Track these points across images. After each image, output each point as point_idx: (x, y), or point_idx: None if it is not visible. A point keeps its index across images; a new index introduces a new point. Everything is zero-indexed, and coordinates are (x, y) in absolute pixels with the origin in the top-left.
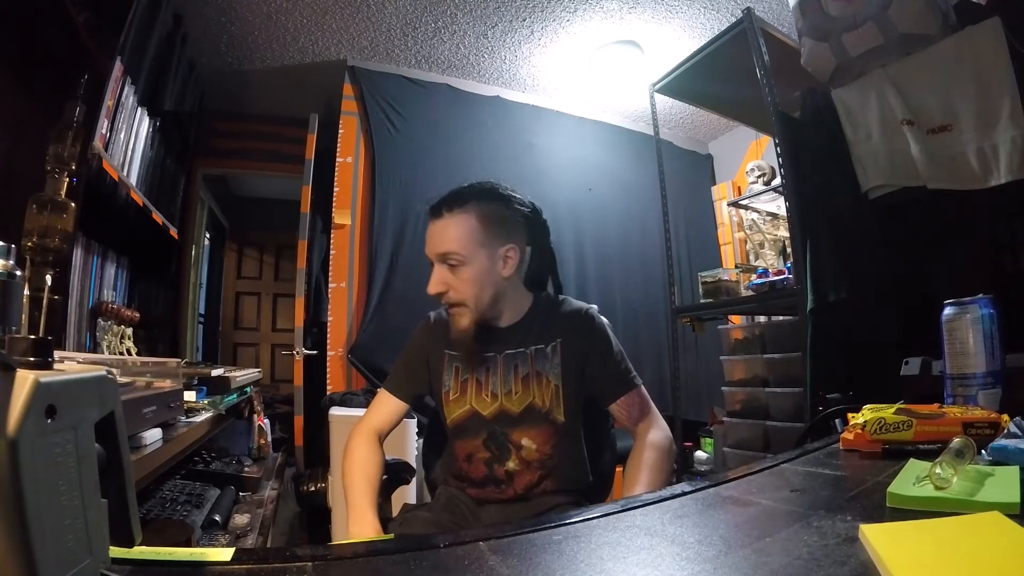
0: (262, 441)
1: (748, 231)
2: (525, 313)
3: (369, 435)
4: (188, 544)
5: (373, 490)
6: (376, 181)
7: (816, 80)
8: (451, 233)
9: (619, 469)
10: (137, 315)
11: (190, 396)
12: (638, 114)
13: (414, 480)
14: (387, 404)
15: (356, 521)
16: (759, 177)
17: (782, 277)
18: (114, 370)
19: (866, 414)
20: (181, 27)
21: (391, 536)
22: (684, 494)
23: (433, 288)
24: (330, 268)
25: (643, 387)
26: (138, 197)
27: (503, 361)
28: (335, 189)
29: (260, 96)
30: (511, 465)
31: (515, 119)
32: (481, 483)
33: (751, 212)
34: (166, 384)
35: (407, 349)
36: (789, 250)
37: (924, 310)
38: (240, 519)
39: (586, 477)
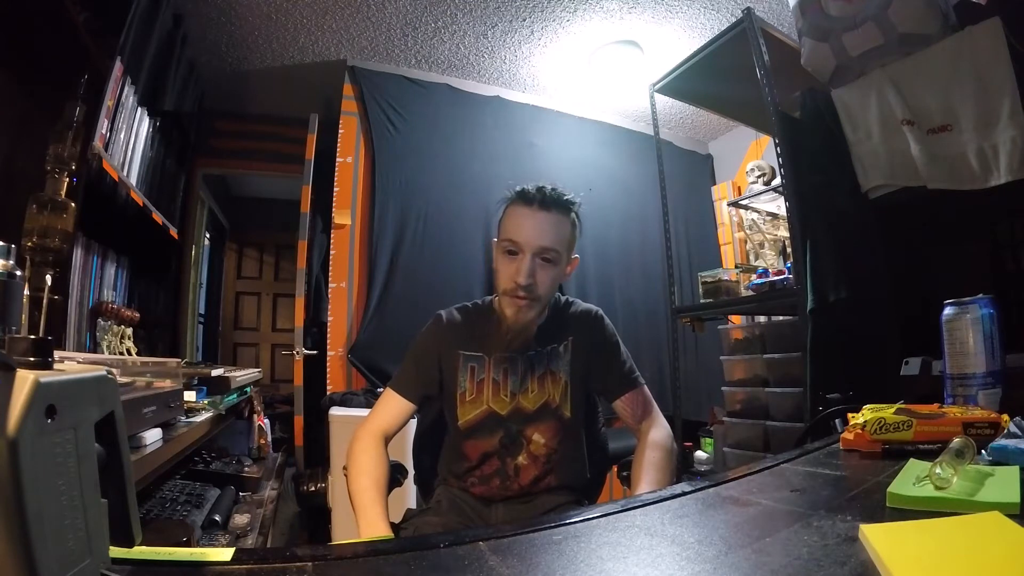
0: (262, 441)
1: (748, 231)
2: (547, 315)
3: (375, 437)
4: (188, 544)
5: (382, 495)
6: (376, 181)
7: (816, 80)
8: (558, 231)
9: (613, 468)
10: (137, 315)
11: (190, 396)
12: (638, 114)
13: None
14: (394, 405)
15: (368, 528)
16: (759, 177)
17: (782, 277)
18: (114, 370)
19: (866, 414)
20: (181, 27)
21: (391, 536)
22: (684, 494)
23: (525, 278)
24: (330, 268)
25: (646, 387)
26: (138, 197)
27: (524, 360)
28: (335, 189)
29: (260, 96)
30: (520, 459)
31: (515, 119)
32: (488, 479)
33: (751, 212)
34: (166, 384)
35: (416, 348)
36: (789, 250)
37: (924, 310)
38: (240, 519)
39: (584, 473)
